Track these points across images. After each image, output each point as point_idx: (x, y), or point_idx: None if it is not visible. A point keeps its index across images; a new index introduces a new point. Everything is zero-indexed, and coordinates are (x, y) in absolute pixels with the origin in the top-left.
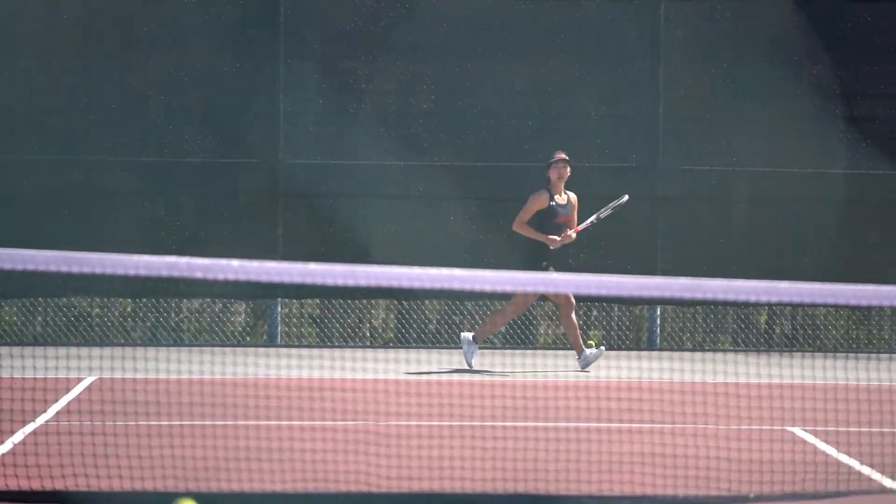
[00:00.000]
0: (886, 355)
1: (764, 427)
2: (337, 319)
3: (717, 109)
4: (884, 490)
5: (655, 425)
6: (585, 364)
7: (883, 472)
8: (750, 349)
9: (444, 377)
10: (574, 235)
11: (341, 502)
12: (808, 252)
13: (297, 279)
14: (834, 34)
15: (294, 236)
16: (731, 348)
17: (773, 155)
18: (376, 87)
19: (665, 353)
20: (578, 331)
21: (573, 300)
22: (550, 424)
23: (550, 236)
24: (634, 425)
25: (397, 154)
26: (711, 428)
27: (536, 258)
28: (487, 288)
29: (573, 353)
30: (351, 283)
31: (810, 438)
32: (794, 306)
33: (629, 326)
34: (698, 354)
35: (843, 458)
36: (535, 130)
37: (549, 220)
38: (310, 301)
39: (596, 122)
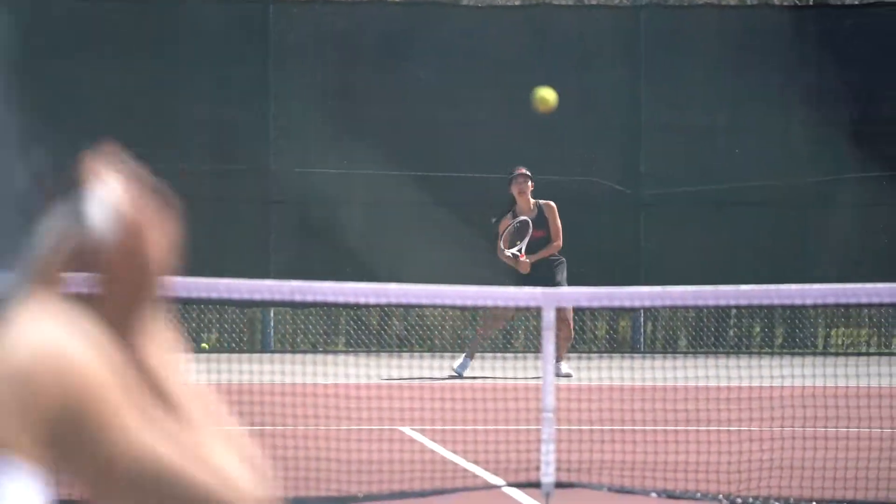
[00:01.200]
0: (491, 354)
1: (374, 427)
2: None
3: (329, 113)
4: (488, 486)
5: (266, 427)
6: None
7: (487, 469)
8: (362, 350)
9: None
10: (528, 261)
11: None
12: (424, 253)
13: None
14: (439, 38)
15: None
16: (345, 349)
17: (388, 158)
18: None
19: (277, 356)
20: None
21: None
22: None
23: (520, 263)
24: (245, 429)
25: None
26: (322, 430)
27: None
28: None
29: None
30: None
31: (419, 437)
32: (406, 307)
33: (243, 329)
34: (311, 356)
35: (450, 456)
36: (142, 132)
37: (511, 238)
38: None
39: (205, 125)
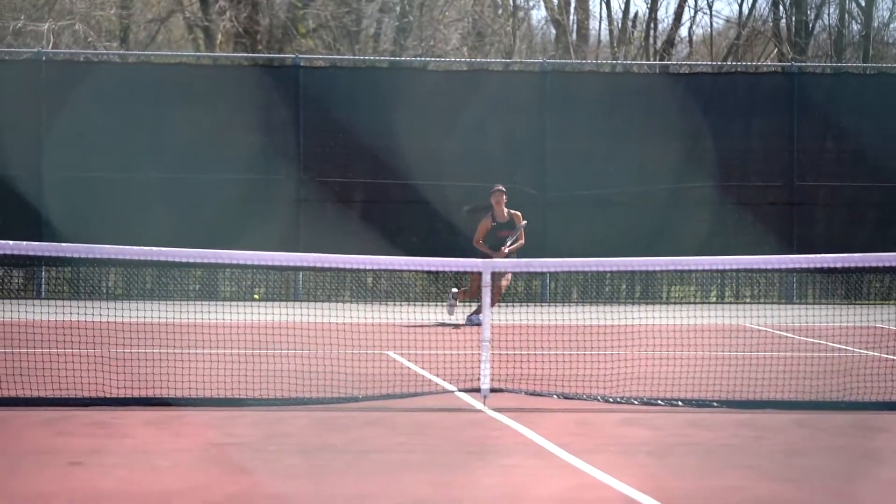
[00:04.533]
0: (444, 304)
1: (369, 351)
2: None
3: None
4: (445, 391)
5: (299, 351)
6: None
7: (445, 379)
8: (360, 300)
9: None
10: (506, 251)
11: None
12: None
13: None
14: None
15: None
16: (349, 300)
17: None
18: None
19: (305, 303)
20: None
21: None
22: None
23: (494, 252)
24: (285, 351)
25: None
26: (335, 353)
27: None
28: None
29: None
30: None
31: (399, 359)
32: (390, 271)
33: (282, 283)
34: (326, 304)
35: (420, 371)
36: None
37: (492, 236)
38: None
39: None
